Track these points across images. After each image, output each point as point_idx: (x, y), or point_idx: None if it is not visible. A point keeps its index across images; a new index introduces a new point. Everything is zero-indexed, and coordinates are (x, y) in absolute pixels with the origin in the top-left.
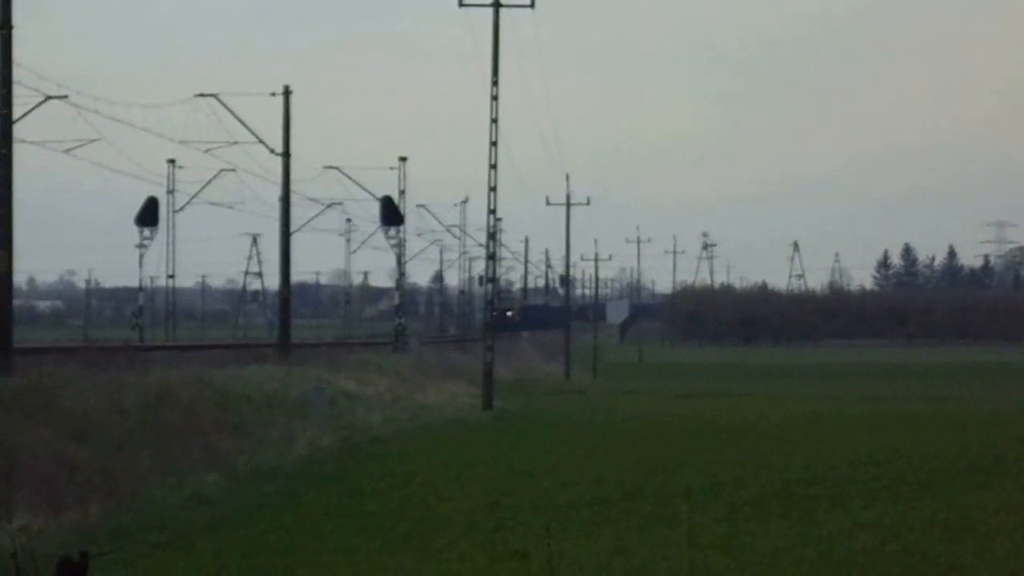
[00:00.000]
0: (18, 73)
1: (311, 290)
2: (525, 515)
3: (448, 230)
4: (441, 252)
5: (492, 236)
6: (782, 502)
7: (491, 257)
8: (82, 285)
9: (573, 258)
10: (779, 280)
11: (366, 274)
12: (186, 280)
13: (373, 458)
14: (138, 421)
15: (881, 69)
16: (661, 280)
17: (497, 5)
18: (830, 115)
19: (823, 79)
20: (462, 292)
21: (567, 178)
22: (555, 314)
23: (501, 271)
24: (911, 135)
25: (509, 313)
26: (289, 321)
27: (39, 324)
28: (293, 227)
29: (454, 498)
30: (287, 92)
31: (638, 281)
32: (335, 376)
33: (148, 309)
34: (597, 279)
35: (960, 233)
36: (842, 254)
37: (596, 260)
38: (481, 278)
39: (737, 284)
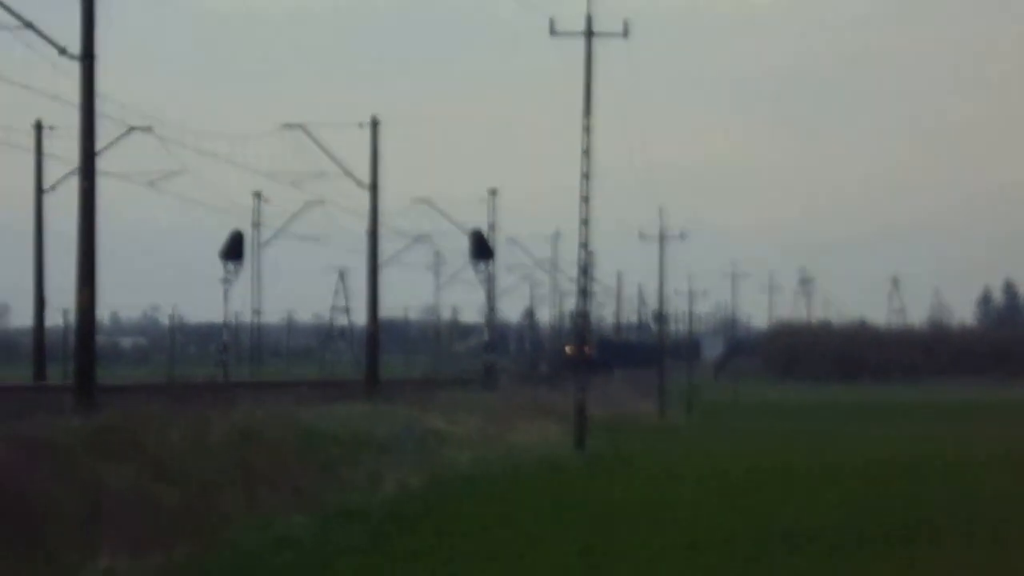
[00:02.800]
0: (101, 104)
1: (399, 326)
2: (619, 560)
3: (539, 264)
4: (532, 287)
5: (584, 271)
6: (884, 545)
7: (583, 292)
8: (166, 321)
9: (667, 292)
10: (878, 316)
11: (455, 309)
12: (272, 316)
13: (463, 499)
14: (223, 460)
15: (986, 106)
16: (757, 316)
17: (589, 34)
18: (931, 151)
19: (925, 117)
20: (553, 328)
21: (660, 212)
22: (639, 350)
23: (593, 306)
24: (1013, 171)
25: (586, 349)
26: (377, 358)
27: (123, 361)
28: (381, 261)
29: (546, 541)
30: (375, 123)
31: (733, 317)
32: (423, 414)
33: (233, 346)
34: (691, 315)
35: None
36: (942, 290)
37: (690, 295)
38: (573, 314)
39: (835, 320)
